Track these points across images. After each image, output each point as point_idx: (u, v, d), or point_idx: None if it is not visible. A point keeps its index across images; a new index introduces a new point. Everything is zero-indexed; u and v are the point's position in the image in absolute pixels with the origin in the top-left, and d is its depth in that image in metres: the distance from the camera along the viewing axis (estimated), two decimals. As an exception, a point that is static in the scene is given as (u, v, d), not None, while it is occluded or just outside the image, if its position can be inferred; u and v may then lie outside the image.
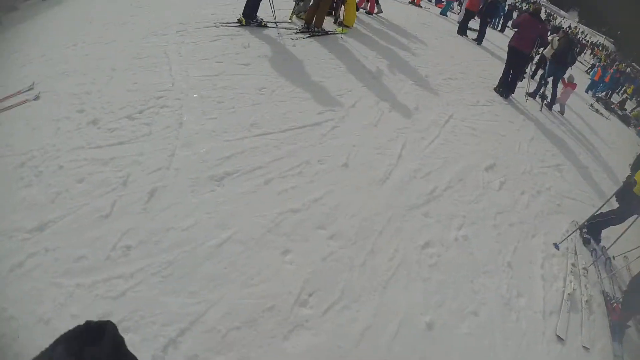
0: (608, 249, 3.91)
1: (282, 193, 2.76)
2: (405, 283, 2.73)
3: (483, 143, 4.24)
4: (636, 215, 3.65)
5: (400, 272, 2.77)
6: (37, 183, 2.29)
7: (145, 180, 2.41)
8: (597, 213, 3.80)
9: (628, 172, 3.80)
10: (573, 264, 3.44)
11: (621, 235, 3.76)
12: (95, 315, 1.71)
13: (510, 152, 4.21)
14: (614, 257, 3.96)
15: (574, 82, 7.06)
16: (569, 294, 3.20)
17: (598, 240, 3.95)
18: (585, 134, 5.84)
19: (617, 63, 16.46)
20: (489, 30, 9.47)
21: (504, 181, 3.81)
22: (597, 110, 9.19)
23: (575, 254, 3.59)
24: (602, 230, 4.02)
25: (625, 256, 4.06)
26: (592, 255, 3.78)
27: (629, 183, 3.62)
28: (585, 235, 3.87)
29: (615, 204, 3.93)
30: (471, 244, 3.20)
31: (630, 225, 3.67)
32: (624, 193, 3.69)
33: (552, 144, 4.81)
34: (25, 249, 1.97)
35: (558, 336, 2.96)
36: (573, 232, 3.65)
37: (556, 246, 3.52)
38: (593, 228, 3.92)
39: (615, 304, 3.43)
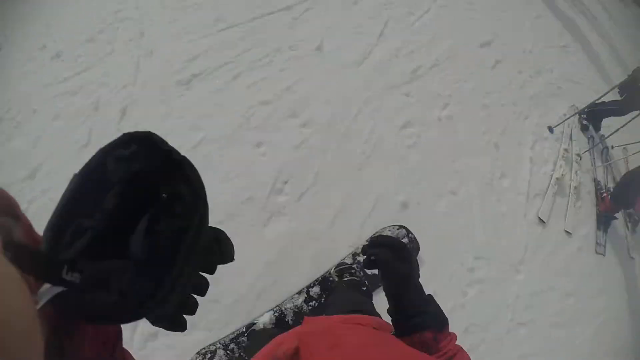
0: (607, 137, 3.84)
1: (251, 86, 2.73)
2: (380, 164, 2.73)
3: (481, 18, 3.90)
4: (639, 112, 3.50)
5: (375, 154, 2.76)
6: (18, 134, 2.42)
7: (115, 100, 2.50)
8: (599, 101, 3.64)
9: (639, 65, 3.56)
10: (566, 150, 3.39)
11: (623, 125, 3.66)
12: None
13: (511, 29, 3.90)
14: (612, 147, 3.92)
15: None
16: (557, 178, 3.19)
17: (597, 128, 3.87)
18: (601, 19, 5.42)
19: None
20: None
21: (500, 59, 3.58)
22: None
23: (571, 139, 3.52)
24: (604, 119, 3.89)
25: (624, 148, 4.02)
26: (588, 142, 3.73)
27: (634, 77, 3.41)
28: (584, 122, 3.78)
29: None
30: (456, 123, 3.09)
31: (634, 118, 3.53)
32: (629, 86, 3.50)
33: (562, 23, 4.47)
34: (24, 197, 2.13)
35: (540, 219, 3.01)
36: (571, 117, 3.54)
37: (550, 130, 3.43)
38: (593, 115, 3.81)
39: (605, 194, 3.45)
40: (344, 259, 2.28)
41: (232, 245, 0.44)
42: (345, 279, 2.05)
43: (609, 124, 3.91)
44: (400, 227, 2.46)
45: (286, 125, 2.64)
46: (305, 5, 3.42)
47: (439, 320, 0.76)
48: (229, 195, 2.27)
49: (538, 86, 3.64)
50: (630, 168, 3.71)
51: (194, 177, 0.38)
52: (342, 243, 2.37)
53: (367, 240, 2.31)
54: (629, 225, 3.60)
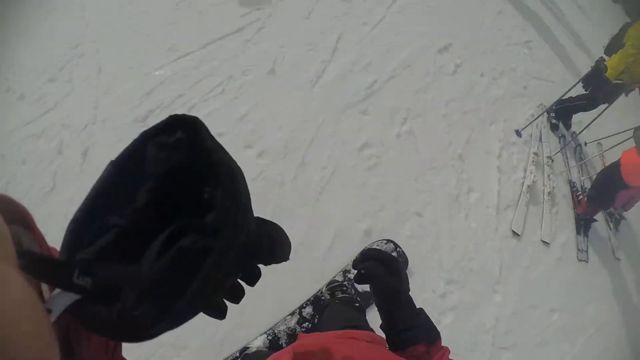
0: (579, 134, 3.80)
1: (205, 118, 2.56)
2: (339, 192, 2.68)
3: (438, 22, 3.86)
4: (607, 104, 3.47)
5: (334, 181, 2.71)
6: (-12, 180, 2.51)
7: (76, 142, 2.55)
8: (566, 96, 3.60)
9: (602, 55, 3.53)
10: (536, 153, 3.35)
11: (594, 120, 3.61)
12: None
13: (471, 29, 3.87)
14: (586, 144, 3.89)
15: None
16: (528, 185, 3.15)
17: (568, 126, 3.84)
18: (564, 8, 5.43)
19: None
20: None
21: (459, 64, 3.53)
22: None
23: (540, 141, 3.48)
24: (574, 115, 3.86)
25: (598, 143, 3.99)
26: (560, 142, 3.69)
27: (598, 68, 3.38)
28: (553, 120, 3.75)
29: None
30: (416, 139, 3.03)
31: (604, 111, 3.50)
32: (593, 78, 3.46)
33: (524, 18, 4.44)
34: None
35: (513, 231, 2.95)
36: (538, 117, 3.51)
37: (518, 133, 3.38)
38: (562, 112, 3.78)
39: (582, 196, 3.40)
40: (334, 276, 2.31)
41: (290, 246, 0.45)
42: (337, 296, 2.09)
43: (579, 119, 3.89)
44: (388, 241, 2.49)
45: (242, 157, 2.53)
46: (257, 25, 3.40)
47: (431, 334, 0.77)
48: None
49: (502, 88, 3.60)
50: (607, 164, 3.68)
51: (232, 187, 0.34)
52: (304, 278, 2.34)
53: (357, 255, 2.31)
54: (611, 225, 3.56)
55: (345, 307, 1.87)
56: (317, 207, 2.59)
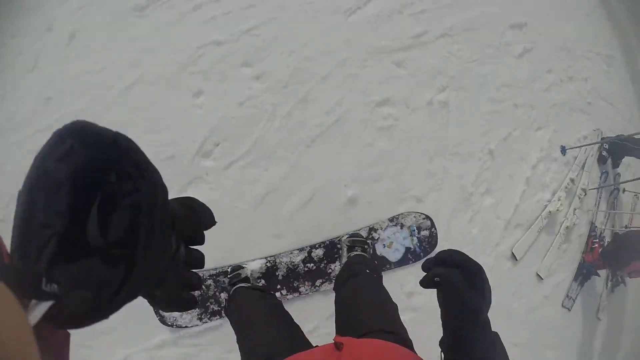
0: (623, 182, 3.27)
1: (209, 21, 2.32)
2: (337, 145, 2.28)
3: (523, -7, 3.14)
4: None
5: (334, 130, 2.29)
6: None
7: (68, 22, 2.33)
8: (631, 136, 3.03)
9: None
10: (572, 180, 2.85)
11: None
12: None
13: (555, 16, 3.18)
14: (624, 190, 3.36)
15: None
16: (550, 211, 2.69)
17: (616, 164, 3.31)
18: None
19: None
20: None
21: (529, 49, 2.92)
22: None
23: (582, 169, 2.97)
24: (626, 156, 3.30)
25: (636, 194, 3.46)
26: (600, 177, 3.17)
27: None
28: (604, 152, 3.20)
29: None
30: (449, 112, 2.53)
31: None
32: None
33: (613, 31, 3.65)
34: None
35: (512, 254, 2.53)
36: (591, 144, 2.98)
37: (563, 150, 2.87)
38: (617, 148, 3.22)
39: (597, 245, 2.96)
40: (359, 229, 2.16)
41: (210, 210, 0.48)
42: (355, 252, 1.93)
43: (629, 161, 3.33)
44: (426, 217, 2.24)
45: (236, 75, 2.24)
46: None
47: None
48: (152, 148, 2.03)
49: (565, 94, 3.00)
50: (634, 222, 3.21)
51: (133, 149, 0.37)
52: (263, 231, 2.11)
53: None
54: (609, 284, 3.16)
55: (379, 288, 1.56)
56: (304, 155, 2.22)
